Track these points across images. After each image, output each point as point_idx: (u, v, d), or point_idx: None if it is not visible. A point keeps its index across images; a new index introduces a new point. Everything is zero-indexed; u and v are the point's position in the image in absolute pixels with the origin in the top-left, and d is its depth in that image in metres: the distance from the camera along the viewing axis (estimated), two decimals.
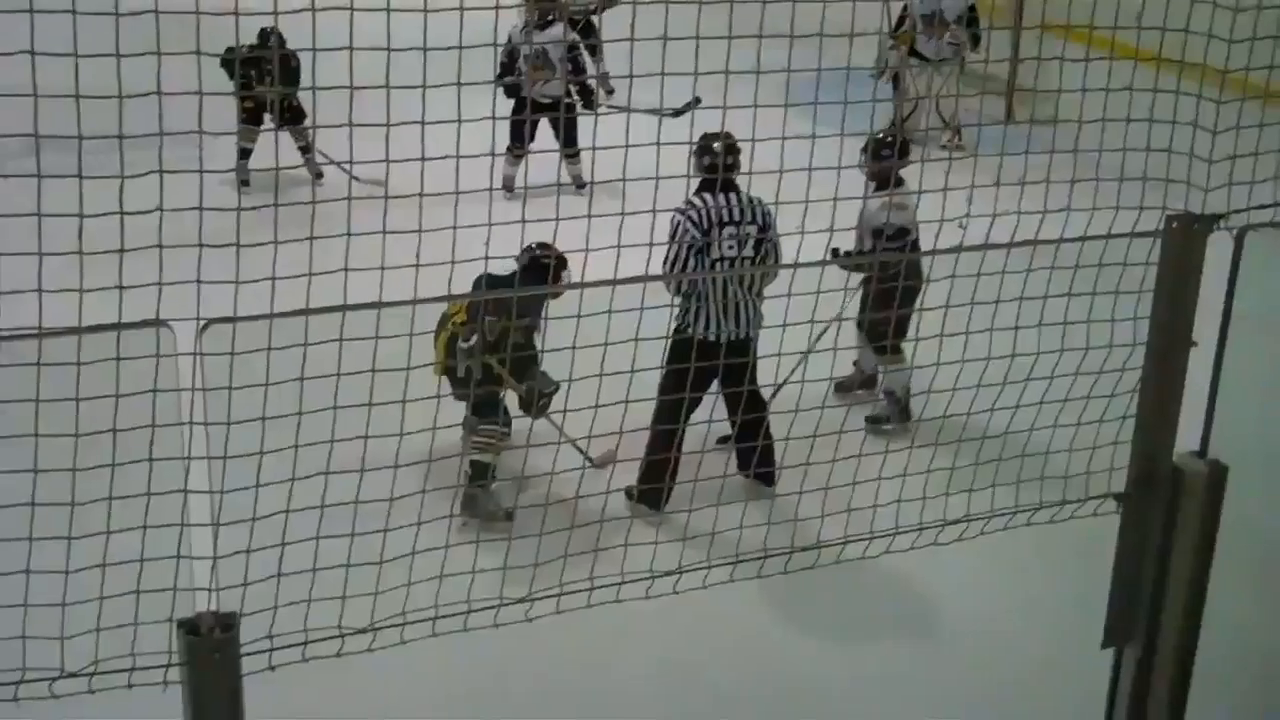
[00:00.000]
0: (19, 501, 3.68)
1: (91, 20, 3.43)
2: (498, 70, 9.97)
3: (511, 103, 10.11)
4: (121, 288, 3.46)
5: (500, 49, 10.00)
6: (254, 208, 3.63)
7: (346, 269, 3.67)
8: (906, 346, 7.21)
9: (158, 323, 3.45)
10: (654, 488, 6.60)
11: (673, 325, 6.62)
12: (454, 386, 6.65)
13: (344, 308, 3.61)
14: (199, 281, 3.52)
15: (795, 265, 4.35)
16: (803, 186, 4.18)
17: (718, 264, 6.66)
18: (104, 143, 3.52)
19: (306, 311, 3.55)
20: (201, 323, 3.54)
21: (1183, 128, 4.52)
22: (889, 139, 7.16)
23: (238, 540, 3.73)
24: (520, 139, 10.07)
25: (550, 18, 10.47)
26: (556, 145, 10.18)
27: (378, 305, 3.61)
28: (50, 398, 3.57)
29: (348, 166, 3.94)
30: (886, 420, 7.35)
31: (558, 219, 4.01)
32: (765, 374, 6.31)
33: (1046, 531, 4.51)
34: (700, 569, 4.23)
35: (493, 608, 3.93)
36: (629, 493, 6.87)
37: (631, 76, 3.90)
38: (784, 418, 4.53)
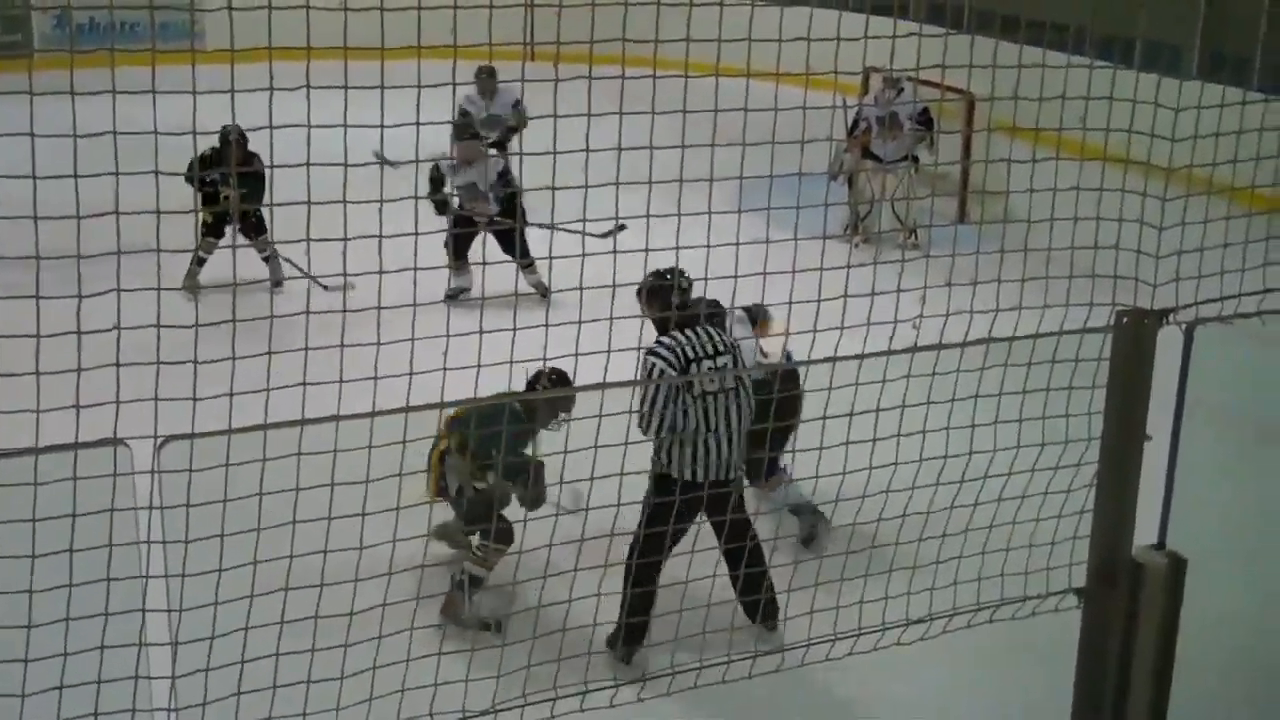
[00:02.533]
0: None
1: (50, 139, 3.46)
2: (429, 186, 9.91)
3: (444, 220, 10.05)
4: (78, 406, 3.46)
5: (433, 168, 9.93)
6: (212, 323, 3.64)
7: (305, 383, 3.67)
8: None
9: (115, 441, 3.44)
10: (632, 644, 6.42)
11: (652, 467, 6.27)
12: (450, 502, 6.73)
13: (302, 422, 3.61)
14: (156, 399, 3.52)
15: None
16: (758, 292, 4.23)
17: (700, 400, 6.18)
18: (59, 260, 3.54)
19: (265, 426, 3.55)
20: (159, 440, 3.54)
21: (1130, 225, 4.60)
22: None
23: (197, 659, 3.69)
24: (459, 253, 10.02)
25: (494, 89, 10.67)
26: (506, 258, 10.13)
27: (335, 419, 3.62)
28: (6, 518, 3.55)
29: (320, 280, 3.99)
30: (811, 537, 7.29)
31: (515, 329, 4.04)
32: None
33: (1008, 629, 4.51)
34: (665, 675, 4.21)
35: None
36: (609, 642, 6.54)
37: (586, 200, 3.95)
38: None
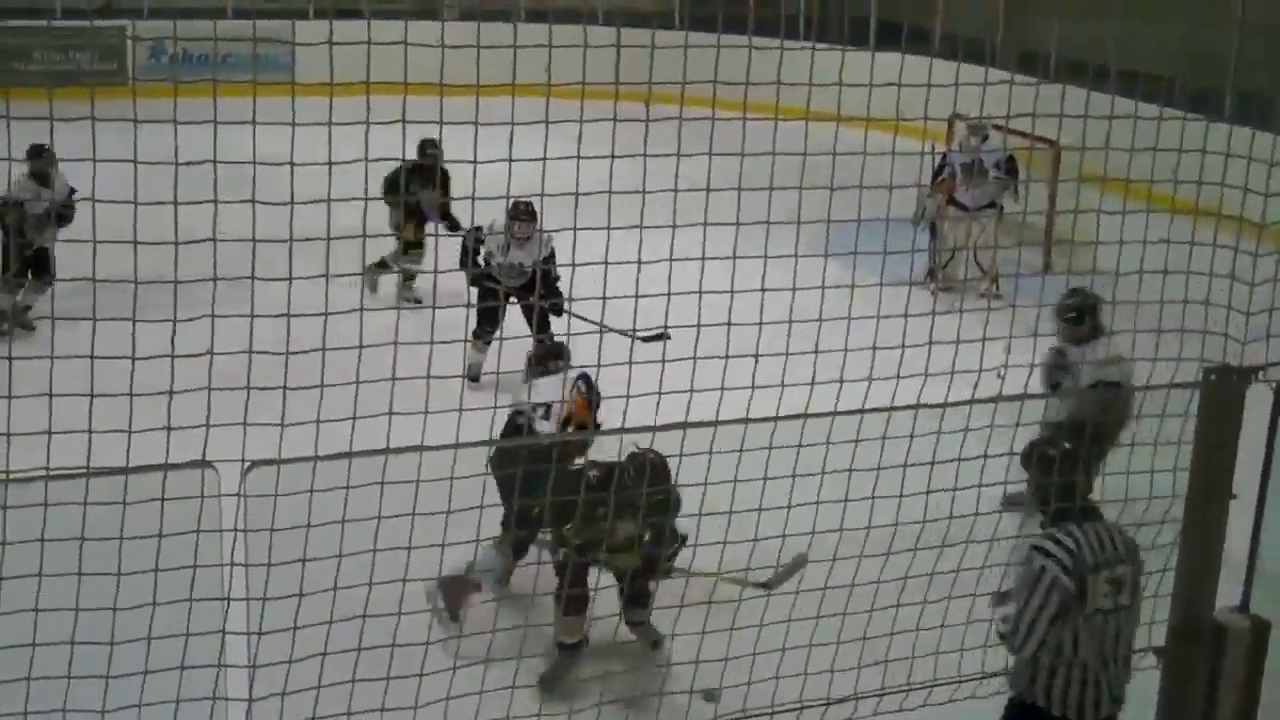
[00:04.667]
0: (58, 640, 3.70)
1: (150, 167, 3.54)
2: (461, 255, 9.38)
3: (475, 291, 9.28)
4: (169, 429, 3.52)
5: (468, 235, 9.38)
6: (301, 351, 3.68)
7: (390, 413, 3.71)
8: None
9: (203, 464, 3.49)
10: None
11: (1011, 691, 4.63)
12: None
13: (386, 451, 3.65)
14: (245, 424, 3.57)
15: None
16: (841, 334, 4.23)
17: (1090, 620, 4.40)
18: (155, 285, 3.61)
19: (350, 455, 3.58)
20: (245, 464, 3.58)
21: (1220, 280, 4.55)
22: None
23: (275, 683, 3.73)
24: (490, 323, 9.35)
25: (529, 235, 9.73)
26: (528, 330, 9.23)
27: (420, 449, 3.65)
28: (95, 536, 3.61)
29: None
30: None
31: (599, 364, 4.05)
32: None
33: None
34: None
35: None
36: None
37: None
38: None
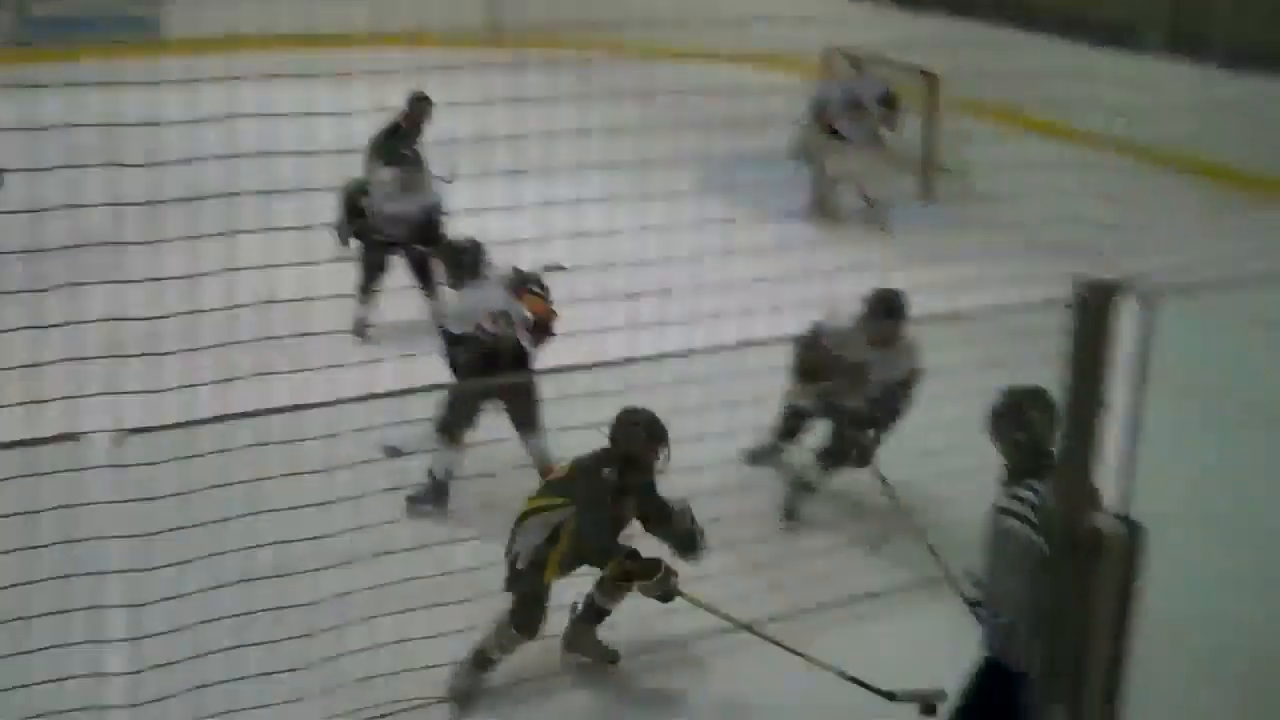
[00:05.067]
0: None
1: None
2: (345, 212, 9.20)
3: (359, 245, 9.27)
4: (37, 402, 3.43)
5: (350, 187, 9.22)
6: (166, 315, 3.60)
7: (265, 373, 3.66)
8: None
9: (72, 436, 3.38)
10: None
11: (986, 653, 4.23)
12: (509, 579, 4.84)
13: (265, 411, 3.59)
14: (115, 393, 3.50)
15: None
16: (727, 270, 4.26)
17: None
18: (17, 255, 3.52)
19: (225, 418, 3.52)
20: (118, 434, 3.50)
21: (1091, 199, 4.64)
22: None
23: (158, 654, 3.66)
24: (375, 277, 9.15)
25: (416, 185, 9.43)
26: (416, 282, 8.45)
27: (297, 408, 3.59)
28: None
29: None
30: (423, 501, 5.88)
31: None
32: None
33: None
34: None
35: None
36: None
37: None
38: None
